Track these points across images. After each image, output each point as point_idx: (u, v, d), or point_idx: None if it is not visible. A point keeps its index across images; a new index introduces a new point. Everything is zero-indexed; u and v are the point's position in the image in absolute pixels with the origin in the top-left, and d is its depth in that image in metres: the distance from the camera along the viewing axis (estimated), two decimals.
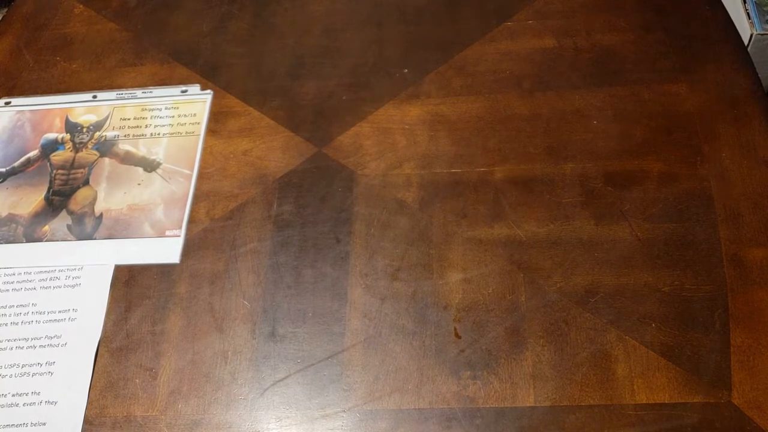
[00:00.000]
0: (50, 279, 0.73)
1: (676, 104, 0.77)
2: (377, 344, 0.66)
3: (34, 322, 0.70)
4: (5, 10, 1.08)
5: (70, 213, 0.77)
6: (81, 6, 0.96)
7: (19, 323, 0.71)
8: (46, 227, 0.76)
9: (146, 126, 0.83)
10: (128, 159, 0.80)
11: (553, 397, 0.62)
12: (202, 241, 0.73)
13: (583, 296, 0.66)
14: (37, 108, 0.86)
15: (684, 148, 0.74)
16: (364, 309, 0.68)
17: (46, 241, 0.75)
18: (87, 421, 0.65)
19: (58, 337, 0.69)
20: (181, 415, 0.64)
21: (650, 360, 0.63)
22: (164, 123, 0.82)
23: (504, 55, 0.83)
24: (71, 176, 0.80)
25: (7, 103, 0.87)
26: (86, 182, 0.79)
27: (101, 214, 0.76)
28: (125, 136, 0.82)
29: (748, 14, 0.99)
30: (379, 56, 0.85)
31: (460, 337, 0.65)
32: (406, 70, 0.83)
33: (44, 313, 0.71)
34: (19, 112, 0.86)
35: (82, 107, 0.85)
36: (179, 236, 0.74)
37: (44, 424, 0.65)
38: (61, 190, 0.79)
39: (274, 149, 0.79)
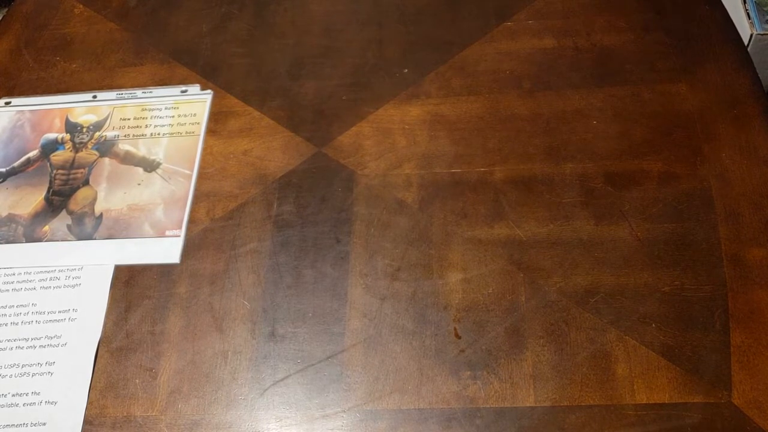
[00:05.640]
0: (50, 279, 0.73)
1: (676, 104, 0.77)
2: (377, 344, 0.66)
3: (34, 322, 0.70)
4: (5, 10, 1.08)
5: (70, 213, 0.77)
6: (81, 6, 0.96)
7: (19, 323, 0.71)
8: (46, 227, 0.76)
9: (146, 126, 0.83)
10: (128, 159, 0.80)
11: (553, 397, 0.62)
12: (202, 241, 0.73)
13: (583, 296, 0.66)
14: (37, 108, 0.86)
15: (684, 148, 0.74)
16: (364, 309, 0.68)
17: (46, 241, 0.75)
18: (87, 421, 0.65)
19: (58, 337, 0.69)
20: (181, 415, 0.64)
21: (650, 360, 0.63)
22: (164, 123, 0.82)
23: (504, 55, 0.83)
24: (71, 176, 0.80)
25: (7, 103, 0.87)
26: (86, 182, 0.79)
27: (101, 214, 0.76)
28: (125, 136, 0.82)
29: (748, 14, 0.99)
30: (379, 56, 0.85)
31: (460, 337, 0.65)
32: (406, 70, 0.83)
33: (44, 313, 0.71)
34: (19, 112, 0.86)
35: (82, 107, 0.85)
36: (179, 236, 0.74)
37: (44, 424, 0.65)
38: (61, 190, 0.79)
39: (274, 149, 0.79)
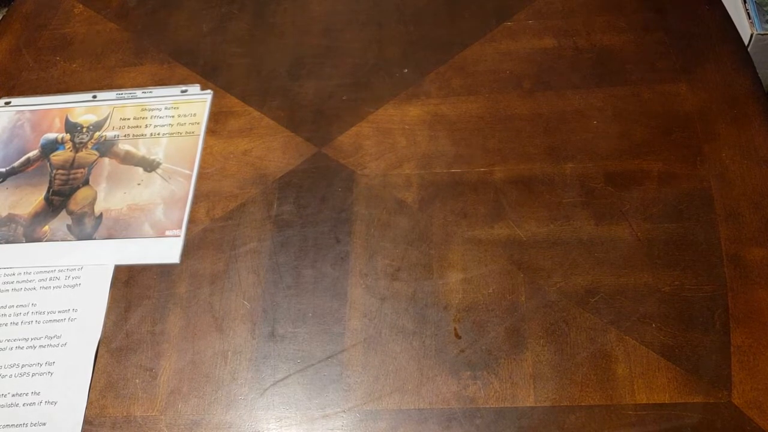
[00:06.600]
0: (50, 279, 0.73)
1: (676, 104, 0.77)
2: (377, 344, 0.66)
3: (34, 322, 0.70)
4: (5, 10, 1.08)
5: (70, 213, 0.77)
6: (81, 6, 0.96)
7: (19, 323, 0.71)
8: (46, 227, 0.76)
9: (146, 126, 0.83)
10: (128, 159, 0.80)
11: (553, 397, 0.62)
12: (202, 241, 0.73)
13: (583, 296, 0.66)
14: (37, 108, 0.86)
15: (684, 148, 0.74)
16: (364, 309, 0.68)
17: (46, 241, 0.75)
18: (87, 421, 0.65)
19: (58, 337, 0.69)
20: (181, 415, 0.64)
21: (650, 360, 0.63)
22: (164, 123, 0.82)
23: (504, 55, 0.83)
24: (71, 176, 0.80)
25: (7, 103, 0.87)
26: (86, 182, 0.79)
27: (101, 214, 0.76)
28: (125, 136, 0.82)
29: (748, 14, 0.99)
30: (379, 56, 0.85)
31: (460, 337, 0.65)
32: (406, 70, 0.83)
33: (44, 313, 0.71)
34: (19, 112, 0.86)
35: (82, 107, 0.85)
36: (179, 236, 0.74)
37: (44, 424, 0.65)
38: (61, 190, 0.79)
39: (274, 149, 0.79)
